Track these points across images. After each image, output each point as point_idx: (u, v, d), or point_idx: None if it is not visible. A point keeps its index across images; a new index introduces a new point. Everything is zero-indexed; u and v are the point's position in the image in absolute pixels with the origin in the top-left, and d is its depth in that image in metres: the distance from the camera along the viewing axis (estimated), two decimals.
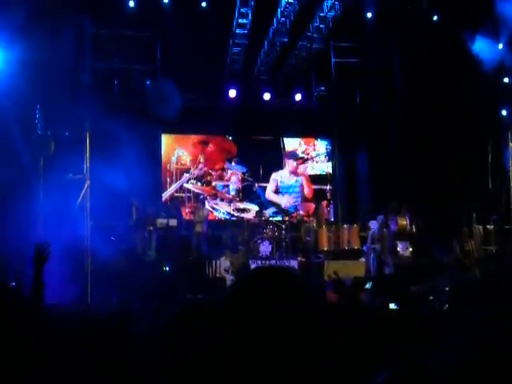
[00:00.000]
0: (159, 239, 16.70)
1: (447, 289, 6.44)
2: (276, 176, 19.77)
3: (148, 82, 18.59)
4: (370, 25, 18.33)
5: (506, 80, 17.40)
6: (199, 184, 19.85)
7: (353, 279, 14.49)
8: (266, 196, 19.54)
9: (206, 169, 19.95)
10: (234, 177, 19.88)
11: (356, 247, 17.20)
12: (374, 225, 16.15)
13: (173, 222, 17.34)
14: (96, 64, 17.75)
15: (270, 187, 19.64)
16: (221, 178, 20.04)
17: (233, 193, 19.56)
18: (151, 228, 16.74)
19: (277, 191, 19.66)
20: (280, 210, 19.20)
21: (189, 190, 19.78)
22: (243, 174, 19.22)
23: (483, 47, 16.94)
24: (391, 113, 19.57)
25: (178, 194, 19.78)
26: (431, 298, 7.98)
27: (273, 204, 19.40)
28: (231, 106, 19.40)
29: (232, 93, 19.17)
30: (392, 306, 6.61)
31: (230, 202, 18.56)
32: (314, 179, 20.45)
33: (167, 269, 15.19)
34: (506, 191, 15.32)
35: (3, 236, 13.80)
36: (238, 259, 15.43)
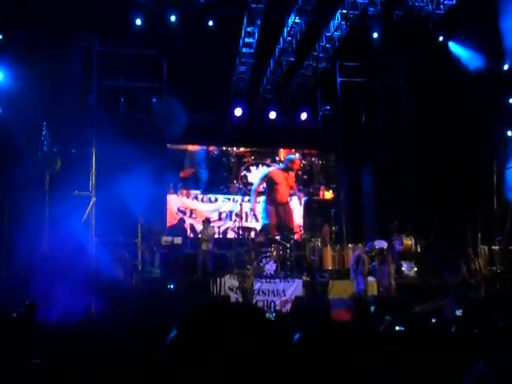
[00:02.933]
0: (164, 257, 16.73)
1: (457, 312, 6.44)
2: None
3: (154, 100, 18.68)
4: (376, 45, 18.40)
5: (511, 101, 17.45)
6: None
7: (356, 303, 14.52)
8: None
9: None
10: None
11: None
12: (379, 244, 16.12)
13: (177, 240, 17.35)
14: (103, 82, 17.84)
15: None
16: None
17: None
18: (156, 246, 16.79)
19: None
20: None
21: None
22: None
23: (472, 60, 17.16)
24: (396, 132, 19.59)
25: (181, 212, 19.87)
26: (434, 320, 7.95)
27: None
28: (237, 123, 19.47)
29: (238, 111, 19.22)
30: (397, 328, 6.59)
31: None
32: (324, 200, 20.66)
33: (171, 286, 15.17)
34: (511, 212, 15.31)
35: (10, 252, 13.84)
36: (247, 277, 15.40)
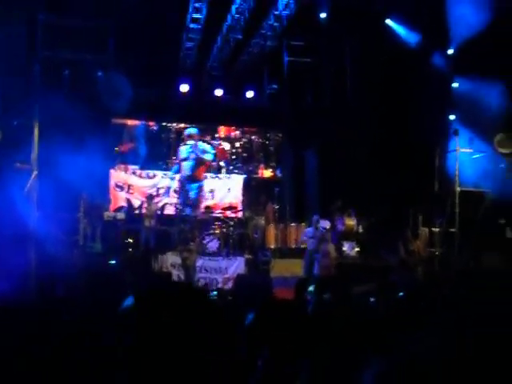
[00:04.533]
0: (106, 232, 16.58)
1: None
2: None
3: (100, 74, 18.41)
4: (324, 24, 18.42)
5: (455, 85, 17.69)
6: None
7: (296, 281, 14.62)
8: None
9: None
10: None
11: (303, 246, 17.29)
12: (322, 224, 16.26)
13: (120, 216, 17.24)
14: (47, 53, 17.49)
15: None
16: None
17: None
18: (98, 221, 16.64)
19: None
20: None
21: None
22: None
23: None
24: (341, 112, 19.70)
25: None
26: (372, 299, 8.04)
27: None
28: (183, 100, 19.32)
29: (184, 87, 19.07)
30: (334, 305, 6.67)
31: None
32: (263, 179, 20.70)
33: (113, 262, 15.08)
34: (452, 195, 15.55)
35: None
36: (189, 255, 15.35)
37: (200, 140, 18.43)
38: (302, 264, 15.86)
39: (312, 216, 16.44)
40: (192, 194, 17.83)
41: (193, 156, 18.17)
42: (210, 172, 19.75)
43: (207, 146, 18.88)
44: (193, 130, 18.57)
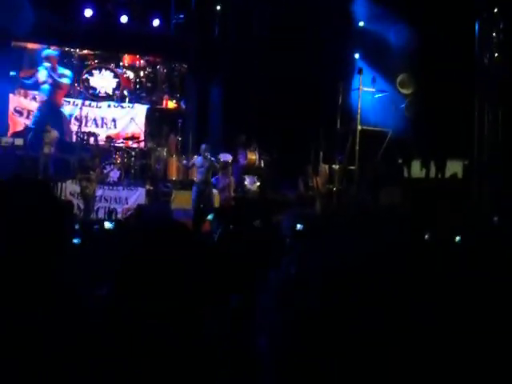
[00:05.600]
0: (2, 158, 16.13)
1: (297, 226, 6.65)
2: None
3: None
4: None
5: (361, 24, 17.80)
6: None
7: (195, 210, 14.70)
8: None
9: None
10: None
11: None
12: (223, 157, 16.29)
13: (18, 141, 16.79)
14: None
15: None
16: None
17: None
18: None
19: None
20: None
21: None
22: None
23: None
24: (247, 47, 19.58)
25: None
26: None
27: None
28: (86, 25, 18.77)
29: (88, 12, 18.51)
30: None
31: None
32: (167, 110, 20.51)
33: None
34: (353, 133, 15.82)
35: None
36: (89, 184, 15.12)
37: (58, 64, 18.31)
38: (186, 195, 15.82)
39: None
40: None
41: (50, 80, 17.99)
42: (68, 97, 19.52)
43: (66, 71, 18.68)
44: (52, 53, 18.27)
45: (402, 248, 2.08)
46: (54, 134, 16.98)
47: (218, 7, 19.78)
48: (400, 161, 16.67)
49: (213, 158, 15.49)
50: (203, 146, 15.56)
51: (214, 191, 15.98)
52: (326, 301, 1.56)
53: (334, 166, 17.03)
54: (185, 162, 16.60)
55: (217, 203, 15.65)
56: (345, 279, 1.60)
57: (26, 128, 18.09)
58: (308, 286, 1.58)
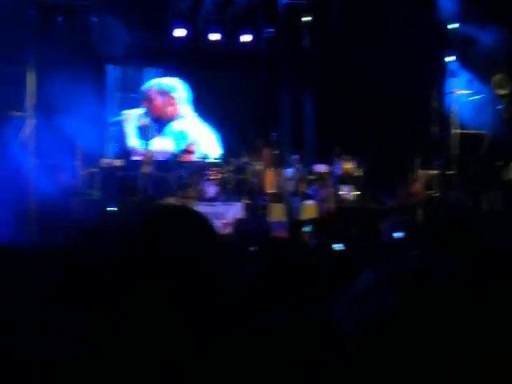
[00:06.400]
0: (104, 178, 16.58)
1: (397, 234, 6.56)
2: None
3: (93, 19, 18.18)
4: None
5: (452, 26, 17.47)
6: None
7: (291, 222, 14.70)
8: None
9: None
10: None
11: (301, 190, 17.32)
12: (319, 168, 16.26)
13: (118, 162, 17.22)
14: None
15: None
16: None
17: None
18: (95, 167, 16.64)
19: None
20: None
21: None
22: None
23: None
24: (338, 56, 19.48)
25: None
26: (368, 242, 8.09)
27: None
28: (178, 44, 19.14)
29: (178, 32, 18.86)
30: (336, 246, 6.70)
31: None
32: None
33: (111, 208, 15.12)
34: (449, 137, 15.54)
35: None
36: (188, 200, 15.37)
37: None
38: (282, 207, 15.83)
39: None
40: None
41: None
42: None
43: None
44: None
45: (506, 257, 1.99)
46: (152, 152, 17.36)
47: (307, 18, 19.77)
48: (499, 163, 16.25)
49: (305, 169, 15.50)
50: (294, 157, 15.59)
51: (310, 202, 15.96)
52: (406, 316, 1.50)
53: (432, 171, 16.74)
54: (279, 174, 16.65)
55: (314, 214, 15.60)
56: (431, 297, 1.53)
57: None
58: (387, 300, 1.52)
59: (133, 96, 19.83)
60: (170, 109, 20.42)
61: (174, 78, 20.52)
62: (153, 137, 18.40)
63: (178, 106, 20.58)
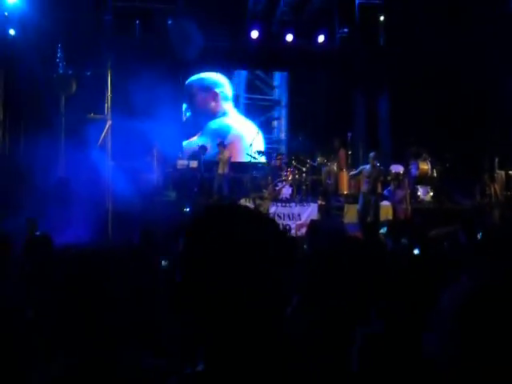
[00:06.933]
0: (179, 180, 16.79)
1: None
2: None
3: (170, 22, 18.41)
4: None
5: None
6: None
7: (365, 224, 14.55)
8: None
9: None
10: None
11: (377, 192, 17.14)
12: (395, 168, 16.07)
13: (193, 164, 17.39)
14: (118, 3, 17.57)
15: None
16: None
17: None
18: (171, 169, 16.87)
19: None
20: None
21: None
22: None
23: None
24: (414, 56, 19.22)
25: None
26: (445, 243, 7.94)
27: None
28: (253, 46, 19.22)
29: (254, 34, 18.94)
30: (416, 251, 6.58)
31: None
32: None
33: (187, 209, 15.27)
34: None
35: (26, 173, 13.87)
36: (263, 201, 15.43)
37: None
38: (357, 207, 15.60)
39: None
40: None
41: None
42: None
43: None
44: None
45: None
46: (227, 154, 17.48)
47: (382, 17, 19.61)
48: None
49: (381, 168, 15.29)
50: (372, 154, 15.28)
51: (386, 203, 15.77)
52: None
53: (510, 171, 16.37)
54: (353, 172, 16.49)
55: (390, 215, 15.43)
56: None
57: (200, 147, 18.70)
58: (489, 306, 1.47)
59: None
60: (212, 104, 20.51)
61: (218, 74, 20.62)
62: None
63: (220, 103, 20.65)
